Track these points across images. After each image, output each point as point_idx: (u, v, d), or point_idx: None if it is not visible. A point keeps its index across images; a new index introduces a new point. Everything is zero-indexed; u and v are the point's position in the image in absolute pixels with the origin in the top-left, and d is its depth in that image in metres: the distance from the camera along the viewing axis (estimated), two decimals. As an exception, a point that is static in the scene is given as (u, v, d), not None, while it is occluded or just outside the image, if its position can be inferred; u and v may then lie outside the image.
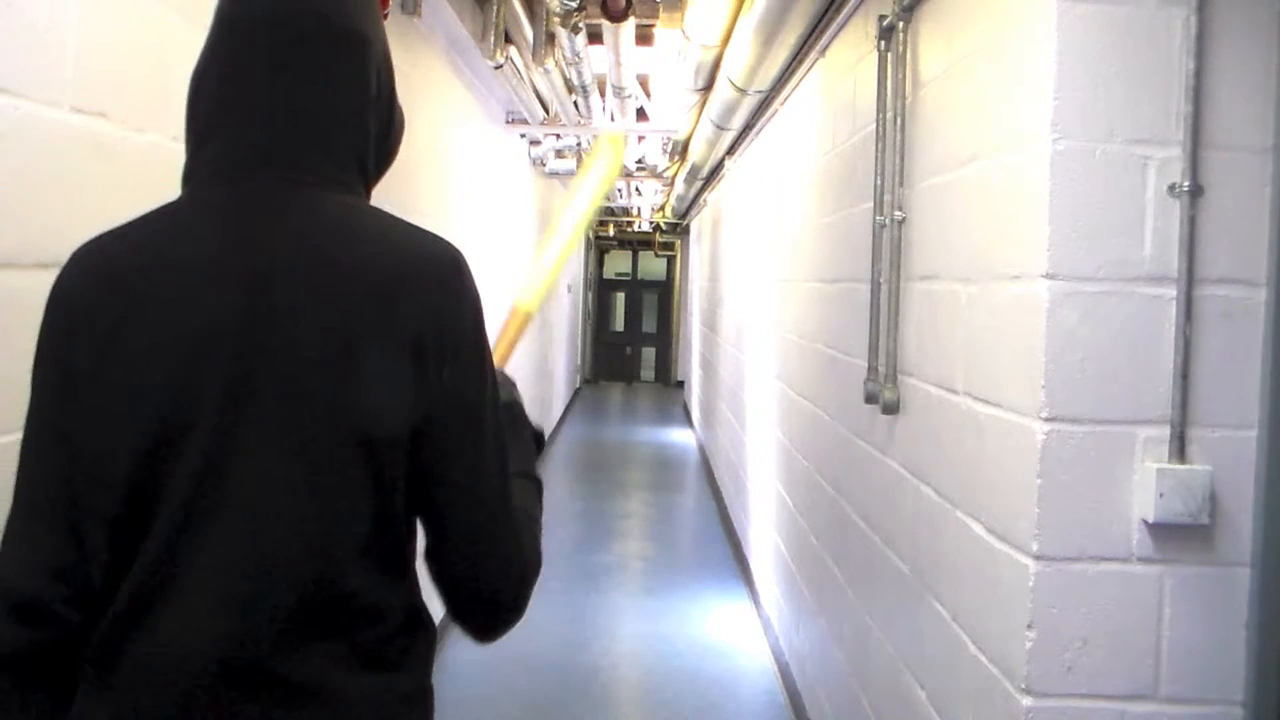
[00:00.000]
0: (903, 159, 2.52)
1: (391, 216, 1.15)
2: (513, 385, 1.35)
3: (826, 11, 3.38)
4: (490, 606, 1.17)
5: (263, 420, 1.04)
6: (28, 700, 1.07)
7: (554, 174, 8.65)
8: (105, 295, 1.08)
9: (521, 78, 5.60)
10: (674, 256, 18.65)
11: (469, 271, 1.14)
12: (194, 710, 1.04)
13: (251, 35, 1.11)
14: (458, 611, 1.16)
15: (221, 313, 1.05)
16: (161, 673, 1.04)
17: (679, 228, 15.62)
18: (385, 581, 1.10)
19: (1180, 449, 1.71)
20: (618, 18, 4.53)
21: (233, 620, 1.04)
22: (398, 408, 1.06)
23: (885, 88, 2.62)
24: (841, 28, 3.31)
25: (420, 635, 1.15)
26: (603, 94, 6.48)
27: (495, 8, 4.49)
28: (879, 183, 2.63)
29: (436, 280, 1.10)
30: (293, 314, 1.06)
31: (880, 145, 2.62)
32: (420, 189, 4.10)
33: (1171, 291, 1.71)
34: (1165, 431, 1.71)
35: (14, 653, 1.05)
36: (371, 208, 1.15)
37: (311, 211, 1.10)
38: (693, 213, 12.23)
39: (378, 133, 1.17)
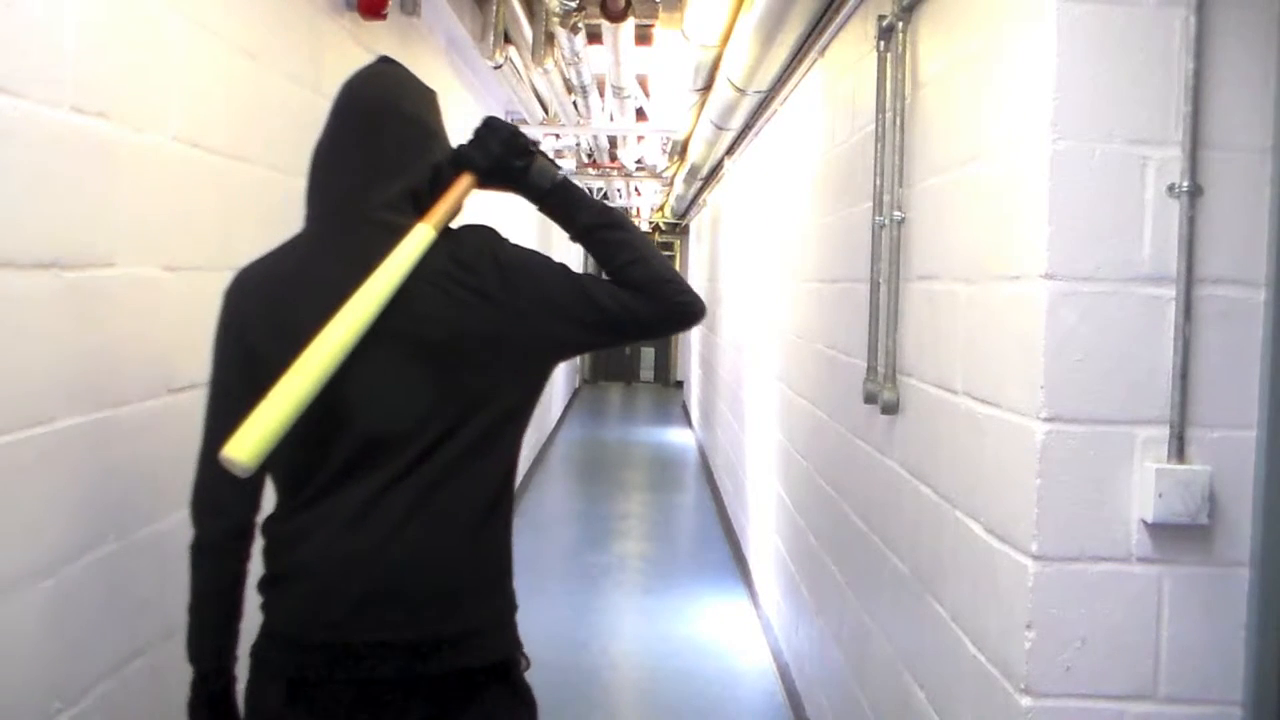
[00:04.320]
0: (902, 159, 2.52)
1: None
2: (499, 124, 1.68)
3: (826, 11, 3.38)
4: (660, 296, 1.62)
5: (386, 364, 1.57)
6: (221, 562, 1.62)
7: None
8: (266, 296, 1.61)
9: (521, 78, 5.60)
10: (673, 256, 18.64)
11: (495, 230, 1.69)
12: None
13: (349, 120, 1.64)
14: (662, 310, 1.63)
15: (332, 305, 1.53)
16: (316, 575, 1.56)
17: (678, 228, 15.63)
18: None
19: (1179, 449, 1.71)
20: (617, 18, 4.54)
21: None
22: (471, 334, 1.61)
23: (885, 88, 2.62)
24: (841, 28, 3.31)
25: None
26: (602, 94, 6.48)
27: (494, 8, 4.49)
28: (878, 183, 2.63)
29: (485, 244, 1.66)
30: (412, 296, 1.56)
31: (880, 145, 2.62)
32: (420, 189, 4.10)
33: (1171, 291, 1.71)
34: (1164, 431, 1.71)
35: (216, 536, 1.62)
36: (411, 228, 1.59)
37: (371, 244, 1.57)
38: (692, 213, 12.23)
39: (430, 181, 1.63)
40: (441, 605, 1.56)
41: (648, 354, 19.20)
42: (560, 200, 1.66)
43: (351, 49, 3.11)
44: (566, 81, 5.95)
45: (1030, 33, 1.80)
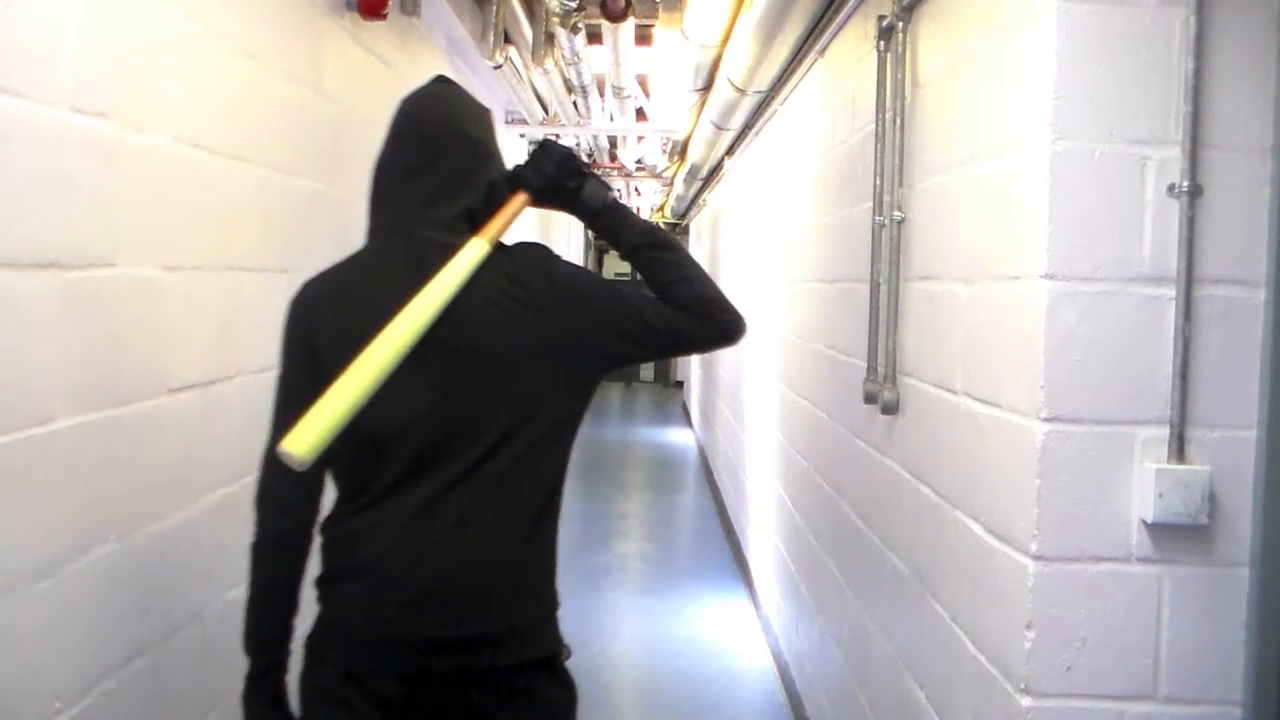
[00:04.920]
0: (902, 159, 2.52)
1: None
2: (554, 146, 1.77)
3: (826, 11, 3.38)
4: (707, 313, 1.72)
5: (445, 375, 1.65)
6: (284, 557, 1.70)
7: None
8: (332, 305, 1.70)
9: (521, 78, 5.60)
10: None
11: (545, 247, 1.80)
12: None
13: (410, 142, 1.72)
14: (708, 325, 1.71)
15: (390, 313, 1.61)
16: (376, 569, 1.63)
17: (678, 228, 15.62)
18: None
19: (1179, 449, 1.71)
20: (617, 18, 4.53)
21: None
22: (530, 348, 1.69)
23: (884, 88, 2.62)
24: (841, 28, 3.30)
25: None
26: (602, 94, 6.48)
27: (494, 8, 4.48)
28: (878, 183, 2.63)
29: (538, 261, 1.75)
30: (470, 311, 1.65)
31: (880, 145, 2.62)
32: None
33: (1170, 291, 1.71)
34: (1164, 432, 1.71)
35: (280, 532, 1.69)
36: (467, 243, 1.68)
37: (430, 259, 1.66)
38: (692, 213, 12.23)
39: (486, 202, 1.72)
40: (493, 604, 1.65)
41: (648, 354, 19.15)
42: (611, 220, 1.76)
43: (351, 49, 3.11)
44: (566, 81, 5.95)
45: (1030, 33, 1.80)
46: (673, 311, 1.69)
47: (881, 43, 2.62)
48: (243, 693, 1.72)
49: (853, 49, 3.16)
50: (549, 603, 1.73)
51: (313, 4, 2.76)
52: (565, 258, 1.78)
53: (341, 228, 3.06)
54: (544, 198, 1.75)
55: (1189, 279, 1.70)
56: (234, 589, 2.33)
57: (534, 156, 1.76)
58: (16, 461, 1.55)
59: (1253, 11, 1.70)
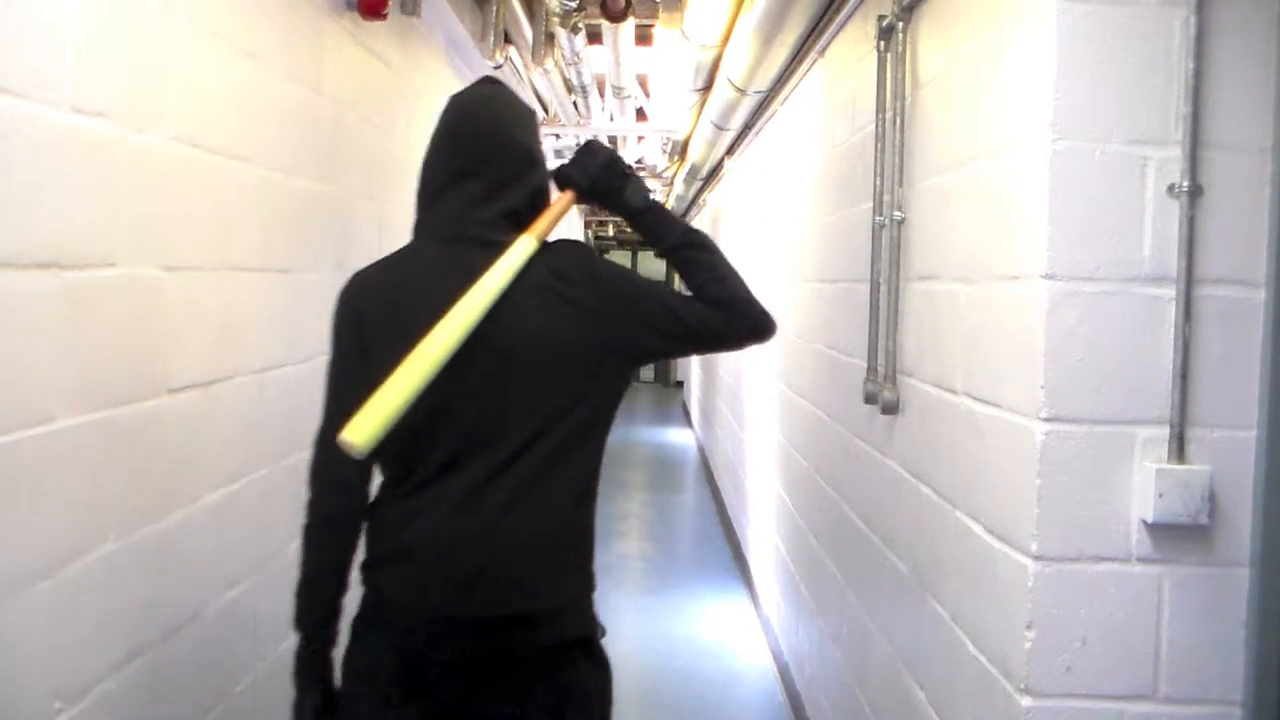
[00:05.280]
0: (902, 159, 2.52)
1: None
2: (600, 148, 1.86)
3: (826, 11, 3.38)
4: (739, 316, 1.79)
5: (487, 365, 1.72)
6: (339, 537, 1.76)
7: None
8: (381, 297, 1.77)
9: (521, 78, 5.60)
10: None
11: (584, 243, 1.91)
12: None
13: (459, 145, 1.80)
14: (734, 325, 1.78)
15: (439, 309, 1.68)
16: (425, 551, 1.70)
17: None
18: None
19: (1179, 449, 1.71)
20: (617, 18, 4.53)
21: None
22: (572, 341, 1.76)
23: (885, 88, 2.62)
24: (841, 28, 3.31)
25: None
26: (602, 94, 6.48)
27: (494, 8, 4.49)
28: (878, 183, 2.63)
29: (576, 256, 1.81)
30: (513, 306, 1.72)
31: (880, 145, 2.62)
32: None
33: (1171, 291, 1.71)
34: (1164, 432, 1.71)
35: (332, 513, 1.76)
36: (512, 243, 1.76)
37: (475, 260, 1.73)
38: (692, 213, 12.22)
39: (529, 203, 1.80)
40: (534, 585, 1.72)
41: (648, 354, 19.15)
42: (650, 220, 1.83)
43: (351, 49, 3.11)
44: (566, 81, 5.95)
45: (1030, 33, 1.80)
46: (705, 308, 1.77)
47: (881, 43, 2.62)
48: (293, 668, 1.80)
49: (853, 49, 3.16)
50: (586, 585, 1.81)
51: (313, 4, 2.76)
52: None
53: (341, 228, 3.06)
54: (589, 197, 1.83)
55: (1189, 279, 1.70)
56: (234, 589, 2.33)
57: (580, 157, 1.83)
58: (16, 461, 1.55)
59: (1253, 11, 1.70)
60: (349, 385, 1.71)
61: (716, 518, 7.54)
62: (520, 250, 1.74)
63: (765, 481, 5.15)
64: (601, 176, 1.82)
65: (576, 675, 1.78)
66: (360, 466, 1.73)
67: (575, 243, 1.87)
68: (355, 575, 1.80)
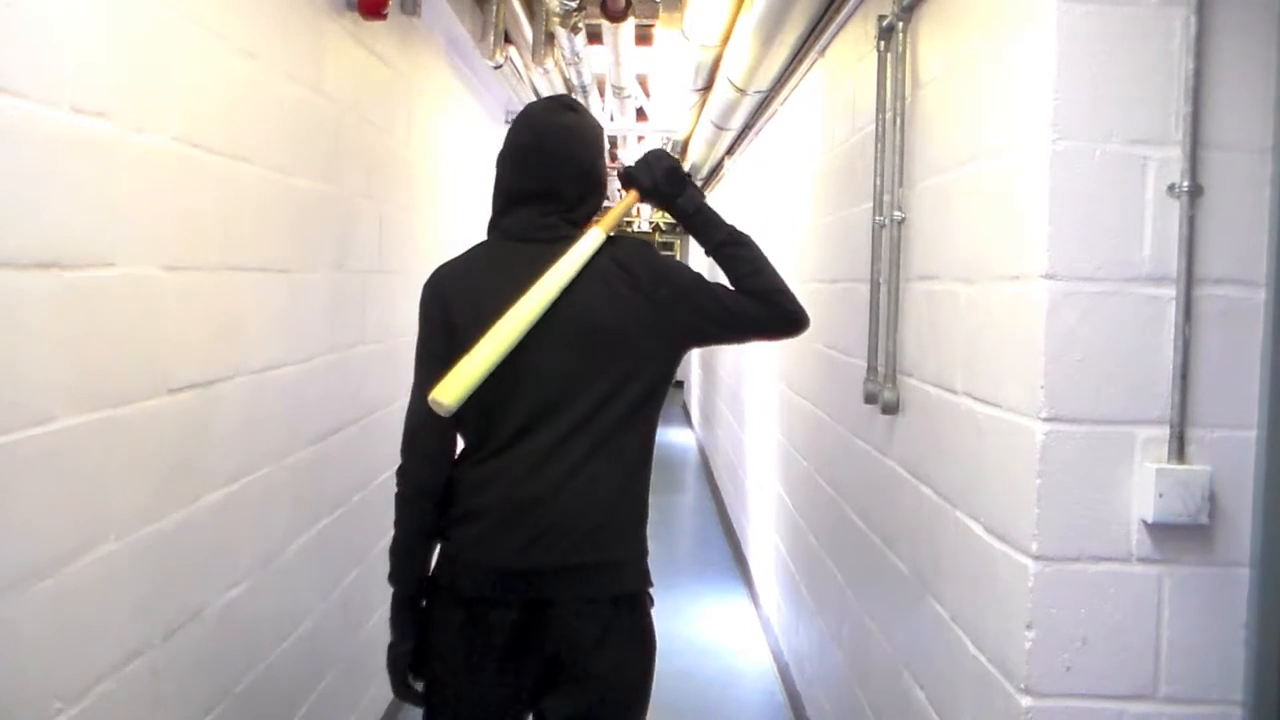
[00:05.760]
0: (902, 159, 2.52)
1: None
2: (664, 155, 2.06)
3: (826, 11, 3.38)
4: (773, 307, 2.02)
5: (558, 345, 1.94)
6: (425, 502, 1.97)
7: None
8: (463, 284, 2.01)
9: (521, 77, 5.60)
10: (674, 256, 18.64)
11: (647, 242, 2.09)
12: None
13: (529, 162, 2.03)
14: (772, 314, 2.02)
15: (514, 293, 1.92)
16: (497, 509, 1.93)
17: (679, 227, 15.61)
18: None
19: (1179, 449, 1.71)
20: (617, 18, 4.54)
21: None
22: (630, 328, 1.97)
23: (885, 88, 2.62)
24: (841, 28, 3.31)
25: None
26: (602, 94, 6.48)
27: (495, 7, 4.48)
28: (878, 183, 2.63)
29: (638, 250, 2.03)
30: (583, 293, 1.94)
31: (880, 145, 2.62)
32: (420, 187, 4.10)
33: (1171, 291, 1.71)
34: (1164, 431, 1.71)
35: (422, 480, 1.98)
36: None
37: (544, 252, 1.96)
38: (692, 213, 12.22)
39: (587, 212, 2.06)
40: (598, 540, 1.92)
41: (648, 354, 19.16)
42: (701, 221, 2.05)
43: (352, 49, 3.11)
44: (567, 81, 5.95)
45: (1030, 33, 1.80)
46: (746, 299, 1.98)
47: (882, 43, 2.62)
48: (390, 618, 2.03)
49: (853, 49, 3.16)
50: (642, 544, 2.01)
51: (313, 4, 2.76)
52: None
53: (342, 228, 3.06)
54: (650, 197, 2.04)
55: (1189, 279, 1.70)
56: (234, 589, 2.33)
57: (646, 160, 2.05)
58: (16, 461, 1.55)
59: (1253, 11, 1.70)
60: (437, 361, 1.93)
61: (716, 518, 7.54)
62: (589, 241, 1.96)
63: (765, 481, 5.15)
64: (663, 181, 2.02)
65: (632, 624, 1.97)
66: (445, 437, 1.98)
67: (636, 237, 2.14)
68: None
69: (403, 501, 1.99)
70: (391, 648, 2.03)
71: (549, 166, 2.01)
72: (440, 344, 1.97)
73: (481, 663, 1.93)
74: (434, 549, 2.00)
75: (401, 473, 1.99)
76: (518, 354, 1.89)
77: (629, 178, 2.06)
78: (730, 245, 2.04)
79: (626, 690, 1.98)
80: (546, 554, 1.89)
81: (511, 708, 1.98)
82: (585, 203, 2.05)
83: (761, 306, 1.99)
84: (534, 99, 6.16)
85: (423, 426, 1.95)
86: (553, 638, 1.92)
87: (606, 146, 2.13)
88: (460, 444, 2.03)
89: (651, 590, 2.02)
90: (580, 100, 6.44)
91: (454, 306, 1.98)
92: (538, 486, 1.90)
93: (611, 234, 2.00)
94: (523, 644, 1.93)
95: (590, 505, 1.91)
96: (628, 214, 2.11)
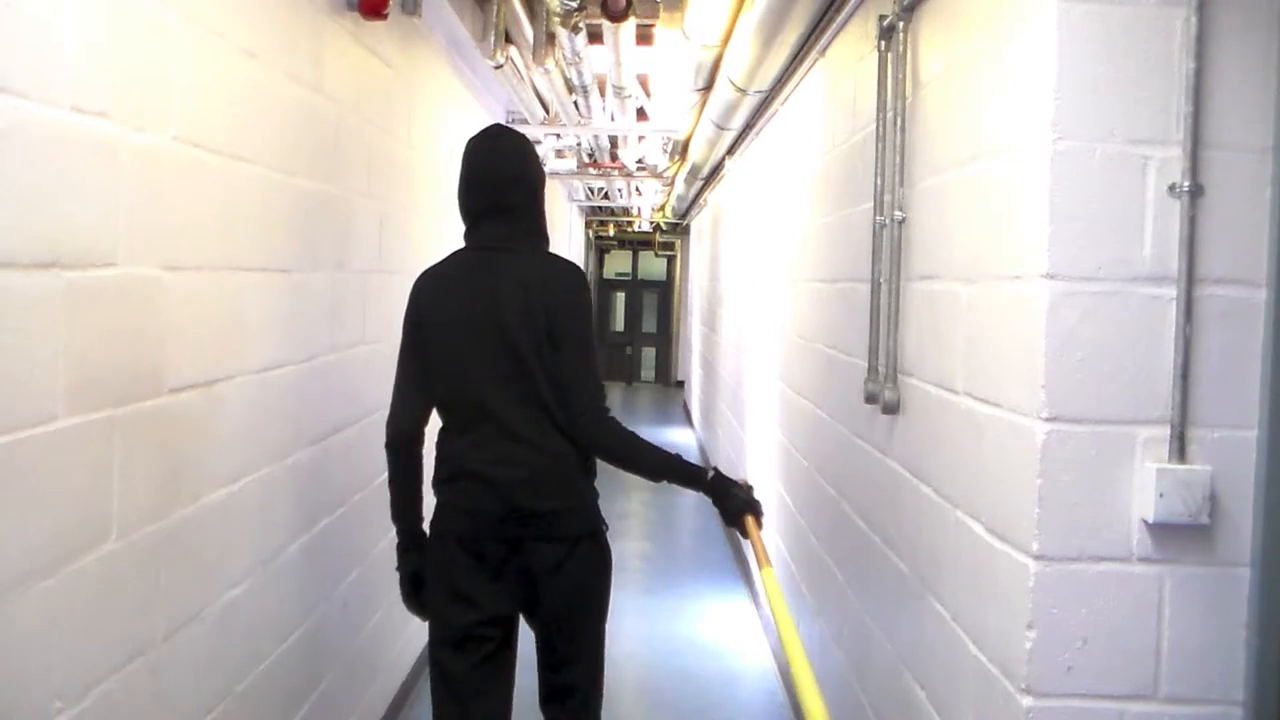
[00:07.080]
0: (903, 159, 2.52)
1: (551, 255, 2.61)
2: (750, 488, 2.63)
3: (826, 11, 3.38)
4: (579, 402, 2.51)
5: (492, 344, 2.47)
6: (398, 456, 2.59)
7: (554, 174, 8.64)
8: (436, 290, 2.55)
9: (521, 77, 5.60)
10: (674, 256, 18.64)
11: (582, 272, 2.63)
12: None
13: (484, 185, 2.55)
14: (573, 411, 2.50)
15: (480, 302, 2.48)
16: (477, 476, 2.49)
17: (679, 227, 15.62)
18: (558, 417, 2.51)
19: (1180, 449, 1.71)
20: (618, 18, 4.53)
21: (506, 445, 2.48)
22: (540, 332, 2.46)
23: (885, 88, 2.62)
24: (841, 28, 3.30)
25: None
26: (603, 94, 6.48)
27: (495, 8, 4.48)
28: (879, 183, 2.63)
29: (565, 277, 2.55)
30: (505, 301, 2.46)
31: (880, 145, 2.62)
32: (420, 187, 4.10)
33: (1171, 291, 1.71)
34: (1165, 431, 1.71)
35: (394, 438, 2.58)
36: (543, 253, 2.59)
37: (515, 261, 2.52)
38: (693, 212, 12.23)
39: (537, 216, 2.60)
40: (555, 488, 2.48)
41: (648, 354, 19.20)
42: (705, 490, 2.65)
43: (352, 49, 3.11)
44: (567, 81, 5.94)
45: (1030, 33, 1.80)
46: (592, 415, 2.51)
47: (882, 43, 2.62)
48: (396, 544, 2.60)
49: (853, 49, 3.16)
50: (591, 492, 2.58)
51: (313, 4, 2.76)
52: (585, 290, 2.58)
53: (342, 227, 3.06)
54: (719, 503, 2.61)
55: (1190, 279, 1.70)
56: (234, 589, 2.33)
57: (739, 495, 2.59)
58: (16, 461, 1.55)
59: (1253, 11, 1.70)
60: (411, 358, 2.53)
61: (717, 518, 7.53)
62: (770, 583, 2.34)
63: (766, 481, 5.15)
64: (729, 505, 2.59)
65: (589, 553, 2.53)
66: (415, 414, 2.56)
67: (572, 266, 2.60)
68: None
69: (388, 459, 2.60)
70: (400, 574, 2.62)
71: (492, 188, 2.53)
72: (410, 338, 2.53)
73: (478, 579, 2.48)
74: (418, 491, 2.58)
75: (385, 443, 2.59)
76: (460, 365, 2.47)
77: (746, 508, 2.58)
78: (673, 477, 2.66)
79: (582, 596, 2.55)
80: (518, 501, 2.44)
81: (504, 610, 2.51)
82: (529, 210, 2.56)
83: (584, 432, 2.49)
84: (535, 99, 6.18)
85: (400, 408, 2.57)
86: (528, 563, 2.48)
87: (536, 153, 2.66)
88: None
89: (605, 527, 2.59)
90: (581, 100, 6.45)
91: (423, 306, 2.52)
92: (504, 454, 2.45)
93: (554, 255, 2.61)
94: (508, 565, 2.48)
95: (543, 466, 2.46)
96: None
